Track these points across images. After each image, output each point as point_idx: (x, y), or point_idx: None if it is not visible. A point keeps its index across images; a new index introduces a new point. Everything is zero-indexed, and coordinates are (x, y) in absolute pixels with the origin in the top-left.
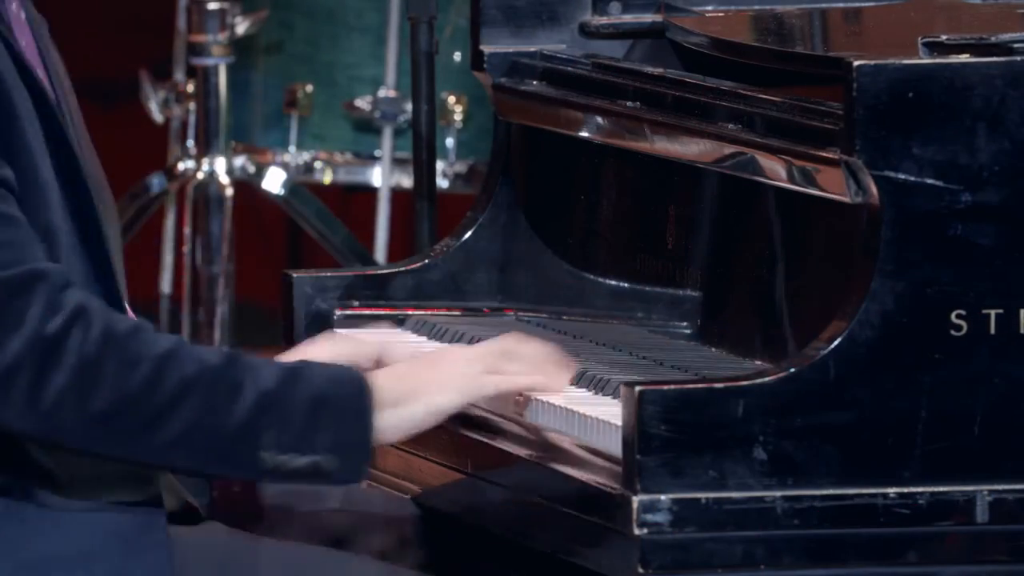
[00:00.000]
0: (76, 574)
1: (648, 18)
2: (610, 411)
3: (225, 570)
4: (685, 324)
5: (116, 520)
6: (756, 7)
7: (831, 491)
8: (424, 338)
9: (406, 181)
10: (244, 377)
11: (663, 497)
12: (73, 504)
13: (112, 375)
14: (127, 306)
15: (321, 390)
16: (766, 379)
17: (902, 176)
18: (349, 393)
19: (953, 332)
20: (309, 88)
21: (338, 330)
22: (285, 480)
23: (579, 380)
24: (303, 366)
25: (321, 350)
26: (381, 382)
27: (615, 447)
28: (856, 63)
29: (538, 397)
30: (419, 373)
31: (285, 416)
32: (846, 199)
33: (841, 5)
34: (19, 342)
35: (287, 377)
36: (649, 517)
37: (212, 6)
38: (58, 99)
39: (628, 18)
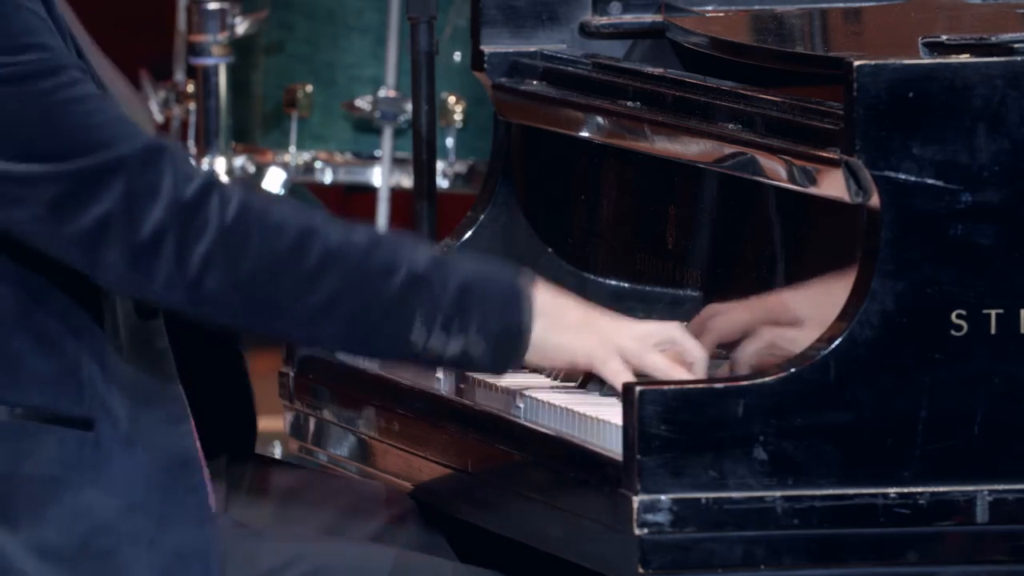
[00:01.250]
0: (120, 526)
1: (648, 18)
2: (610, 411)
3: (226, 560)
4: (685, 324)
5: (153, 468)
6: (756, 7)
7: (831, 491)
8: None
9: (406, 181)
10: (397, 255)
11: (663, 497)
12: (118, 458)
13: (256, 240)
14: None
15: (472, 279)
16: (766, 379)
17: (902, 176)
18: (506, 288)
19: (953, 332)
20: (309, 88)
21: None
22: (432, 363)
23: (579, 380)
24: (455, 256)
25: None
26: (542, 300)
27: (615, 447)
28: (856, 63)
29: (538, 397)
30: (592, 314)
31: (436, 298)
32: (846, 199)
33: (841, 5)
34: (160, 210)
35: (438, 261)
36: (649, 517)
37: (212, 6)
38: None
39: (628, 18)
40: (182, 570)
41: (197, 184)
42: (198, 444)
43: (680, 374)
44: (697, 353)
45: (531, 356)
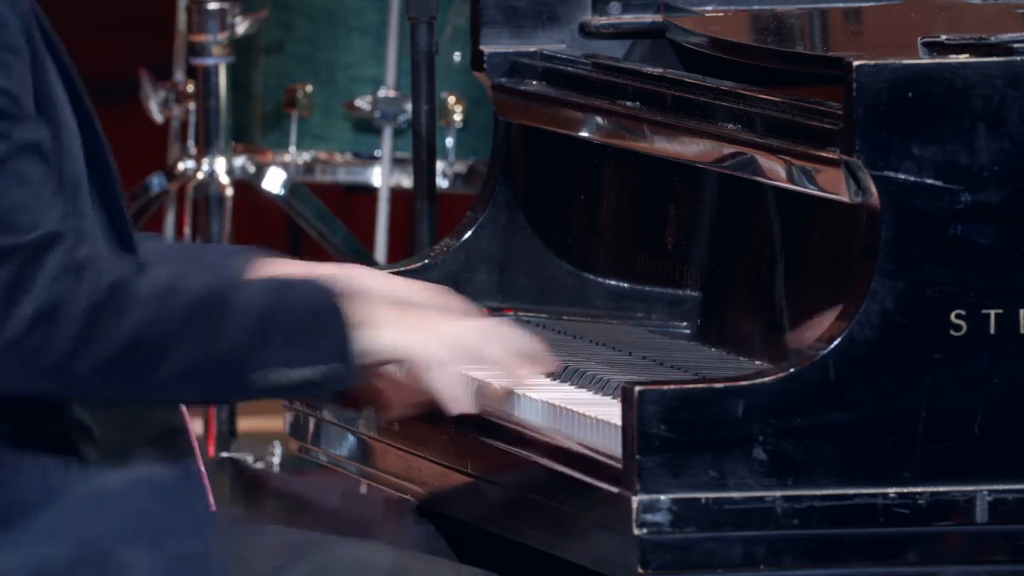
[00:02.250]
0: (117, 537)
1: (648, 18)
2: (610, 411)
3: (228, 558)
4: (685, 324)
5: (153, 481)
6: (756, 7)
7: (831, 491)
8: None
9: (406, 181)
10: (234, 299)
11: (663, 497)
12: (109, 473)
13: (115, 322)
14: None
15: (306, 308)
16: (766, 379)
17: (902, 176)
18: (331, 307)
19: (953, 332)
20: (309, 88)
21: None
22: (278, 395)
23: (580, 380)
24: (291, 282)
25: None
26: (367, 304)
27: (615, 447)
28: (856, 63)
29: (538, 397)
30: (416, 314)
31: (275, 335)
32: (846, 199)
33: (841, 5)
34: (30, 307)
35: (276, 295)
36: (649, 517)
37: (212, 6)
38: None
39: (628, 18)
40: (182, 574)
41: (71, 277)
42: (196, 449)
43: (520, 367)
44: (534, 345)
45: (366, 360)
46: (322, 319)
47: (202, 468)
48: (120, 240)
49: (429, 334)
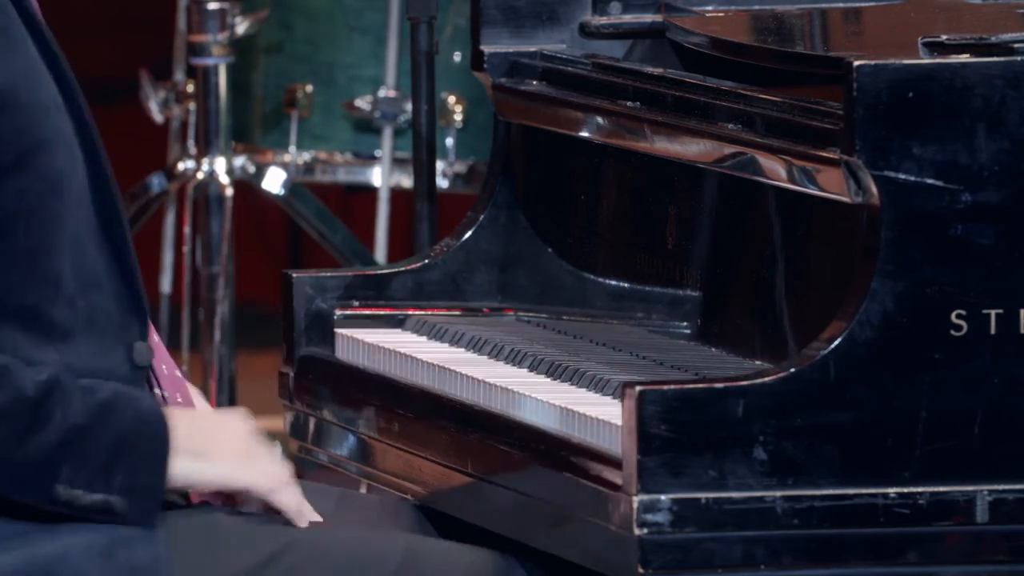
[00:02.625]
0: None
1: (648, 18)
2: (610, 411)
3: (221, 547)
4: (685, 324)
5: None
6: (756, 7)
7: (831, 491)
8: (424, 338)
9: (406, 181)
10: (55, 408)
11: (663, 497)
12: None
13: None
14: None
15: (126, 432)
16: (766, 379)
17: (902, 176)
18: (151, 438)
19: (953, 332)
20: (309, 88)
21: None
22: (76, 513)
23: (579, 380)
24: (116, 403)
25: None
26: (185, 431)
27: (615, 447)
28: (856, 63)
29: (538, 397)
30: (224, 437)
31: (86, 453)
32: (846, 199)
33: (841, 5)
34: None
35: (98, 413)
36: (649, 517)
37: (212, 6)
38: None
39: (628, 18)
40: None
41: None
42: None
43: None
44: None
45: (181, 486)
46: (123, 452)
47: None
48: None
49: (256, 467)
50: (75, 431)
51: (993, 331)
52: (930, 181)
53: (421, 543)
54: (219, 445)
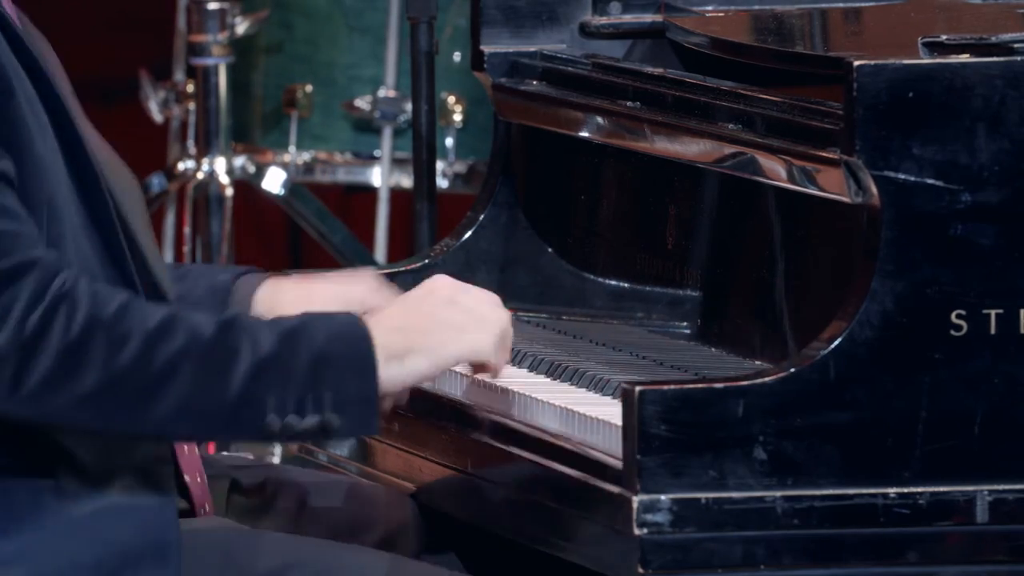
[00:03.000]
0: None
1: (648, 18)
2: (610, 411)
3: (228, 562)
4: (685, 324)
5: (123, 509)
6: (756, 7)
7: (831, 491)
8: None
9: (406, 181)
10: (241, 343)
11: (663, 497)
12: (82, 501)
13: (98, 356)
14: (158, 281)
15: (322, 349)
16: (766, 379)
17: (902, 176)
18: (353, 349)
19: (953, 332)
20: (309, 88)
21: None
22: (294, 440)
23: (579, 380)
24: (303, 324)
25: (323, 290)
26: (383, 337)
27: (615, 447)
28: (856, 63)
29: (538, 397)
30: (421, 327)
31: (286, 378)
32: (846, 199)
33: (841, 5)
34: (2, 336)
35: (287, 338)
36: (649, 517)
37: (212, 6)
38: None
39: (628, 18)
40: None
41: (45, 306)
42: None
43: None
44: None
45: (398, 389)
46: (326, 369)
47: (202, 477)
48: (117, 267)
49: (454, 334)
50: (268, 360)
51: (993, 331)
52: (930, 181)
53: (408, 567)
54: (418, 337)
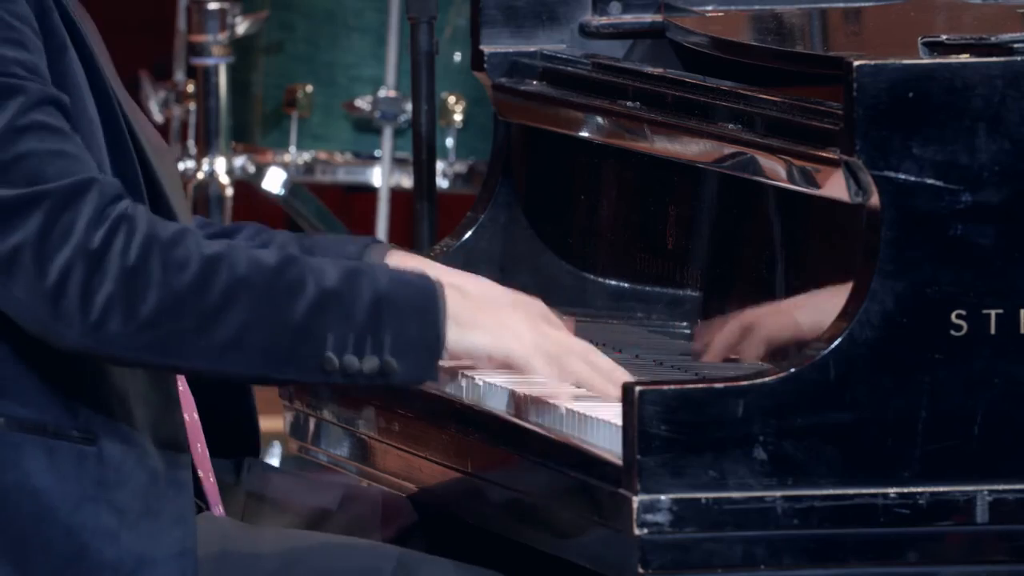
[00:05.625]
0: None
1: (648, 18)
2: (610, 411)
3: (228, 562)
4: (685, 324)
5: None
6: (756, 7)
7: (831, 491)
8: None
9: (406, 181)
10: (303, 276)
11: (663, 497)
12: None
13: (157, 278)
14: None
15: (385, 290)
16: (766, 379)
17: (902, 176)
18: (418, 295)
19: (953, 332)
20: (309, 88)
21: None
22: (354, 381)
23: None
24: (369, 266)
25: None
26: (454, 300)
27: (615, 447)
28: (856, 63)
29: (538, 397)
30: (495, 312)
31: (347, 315)
32: (846, 199)
33: (841, 5)
34: (66, 254)
35: (349, 276)
36: (649, 517)
37: (212, 6)
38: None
39: (628, 18)
40: None
41: (107, 227)
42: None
43: (600, 384)
44: (618, 373)
45: (447, 357)
46: (389, 309)
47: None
48: None
49: (510, 337)
50: (329, 294)
51: (993, 331)
52: (930, 181)
53: (414, 559)
54: (487, 317)
